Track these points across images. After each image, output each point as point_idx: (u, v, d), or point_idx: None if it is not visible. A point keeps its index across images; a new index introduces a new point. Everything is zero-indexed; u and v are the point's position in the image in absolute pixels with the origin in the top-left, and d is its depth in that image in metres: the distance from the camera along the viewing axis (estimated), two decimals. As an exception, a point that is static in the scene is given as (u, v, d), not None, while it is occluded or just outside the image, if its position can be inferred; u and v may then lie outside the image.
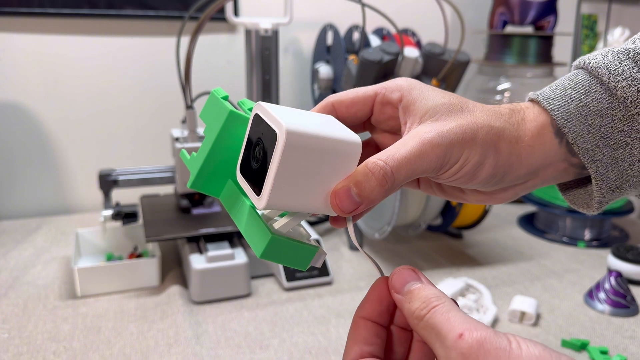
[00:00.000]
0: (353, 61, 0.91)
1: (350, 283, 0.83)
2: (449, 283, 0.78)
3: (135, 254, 0.87)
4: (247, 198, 0.32)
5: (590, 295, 0.79)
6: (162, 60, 1.13)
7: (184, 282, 0.81)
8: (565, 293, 0.81)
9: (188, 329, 0.69)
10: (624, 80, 0.31)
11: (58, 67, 1.08)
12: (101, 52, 1.10)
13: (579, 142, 0.32)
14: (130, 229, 0.89)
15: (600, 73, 0.32)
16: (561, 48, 1.42)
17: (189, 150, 0.34)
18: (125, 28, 1.10)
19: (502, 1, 1.24)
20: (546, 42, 1.25)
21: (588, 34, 1.55)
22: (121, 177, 0.88)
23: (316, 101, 1.14)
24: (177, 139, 0.87)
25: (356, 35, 1.08)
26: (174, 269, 0.86)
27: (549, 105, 0.33)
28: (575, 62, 0.34)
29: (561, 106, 0.32)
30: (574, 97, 0.32)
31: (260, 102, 0.30)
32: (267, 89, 0.95)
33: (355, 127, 0.36)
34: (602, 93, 0.32)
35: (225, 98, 0.33)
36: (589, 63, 0.32)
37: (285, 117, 0.28)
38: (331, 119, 0.33)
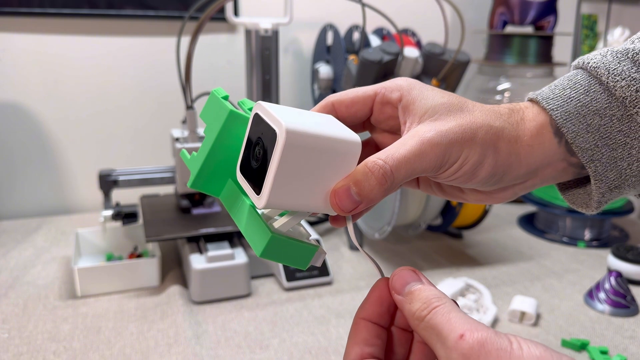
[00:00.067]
0: (353, 61, 0.91)
1: (350, 283, 0.83)
2: (449, 283, 0.78)
3: (135, 254, 0.87)
4: (247, 197, 0.32)
5: (590, 295, 0.79)
6: (162, 60, 1.13)
7: (184, 282, 0.81)
8: (565, 293, 0.81)
9: (188, 329, 0.69)
10: (623, 80, 0.31)
11: (58, 67, 1.08)
12: (101, 52, 1.10)
13: (578, 141, 0.32)
14: (130, 229, 0.89)
15: (599, 73, 0.32)
16: (561, 48, 1.42)
17: (189, 150, 0.34)
18: (125, 28, 1.11)
19: (502, 1, 1.24)
20: (546, 42, 1.25)
21: (588, 34, 1.55)
22: (121, 177, 0.88)
23: (316, 101, 1.14)
24: (177, 139, 0.87)
25: (356, 35, 1.08)
26: (174, 269, 0.86)
27: (548, 105, 0.33)
28: (575, 62, 0.34)
29: (560, 106, 0.32)
30: (573, 96, 0.32)
31: (260, 102, 0.30)
32: (267, 89, 0.95)
33: (355, 127, 0.36)
34: (601, 93, 0.32)
35: (226, 98, 0.33)
36: (588, 63, 0.33)
37: (285, 117, 0.28)
38: (331, 118, 0.33)
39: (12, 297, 0.76)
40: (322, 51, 1.12)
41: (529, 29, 1.28)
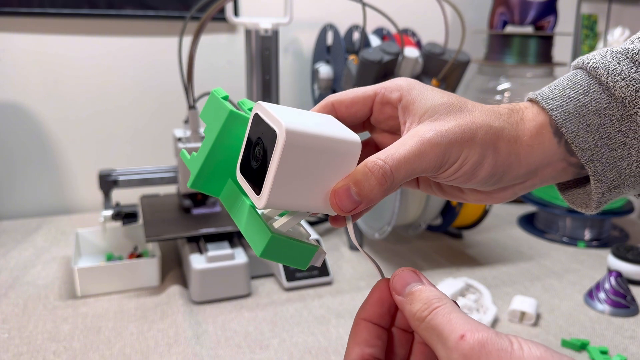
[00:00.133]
0: (353, 61, 0.91)
1: (350, 283, 0.83)
2: (449, 283, 0.78)
3: (135, 254, 0.87)
4: (247, 197, 0.32)
5: (590, 295, 0.79)
6: (162, 60, 1.13)
7: (184, 282, 0.81)
8: (565, 293, 0.81)
9: (188, 329, 0.69)
10: (622, 80, 0.31)
11: (58, 67, 1.08)
12: (101, 52, 1.10)
13: (578, 141, 0.32)
14: (130, 229, 0.89)
15: (598, 73, 0.32)
16: (561, 48, 1.42)
17: (191, 151, 0.34)
18: (125, 28, 1.11)
19: (502, 1, 1.24)
20: (546, 42, 1.25)
21: (588, 34, 1.55)
22: (121, 177, 0.88)
23: (316, 101, 1.14)
24: (179, 139, 0.87)
25: (356, 35, 1.08)
26: (174, 269, 0.86)
27: (548, 105, 0.33)
28: (574, 62, 0.34)
29: (560, 106, 0.32)
30: (573, 97, 0.32)
31: (260, 102, 0.30)
32: (267, 89, 0.95)
33: (355, 127, 0.36)
34: (601, 93, 0.32)
35: (225, 98, 0.33)
36: (588, 63, 0.33)
37: (285, 117, 0.28)
38: (331, 118, 0.33)
39: (12, 297, 0.76)
40: (322, 51, 1.12)
41: (529, 29, 1.28)
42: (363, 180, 0.30)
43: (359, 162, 0.30)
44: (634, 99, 0.31)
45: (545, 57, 1.26)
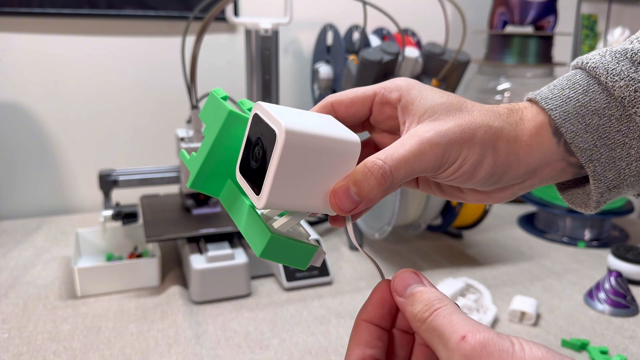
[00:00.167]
0: (353, 61, 0.91)
1: (350, 283, 0.83)
2: (449, 283, 0.78)
3: (135, 254, 0.87)
4: (247, 198, 0.32)
5: (590, 295, 0.79)
6: (162, 60, 1.13)
7: (184, 282, 0.81)
8: (565, 293, 0.81)
9: (188, 329, 0.69)
10: (622, 80, 0.31)
11: (58, 67, 1.08)
12: (101, 52, 1.10)
13: (577, 141, 0.32)
14: (130, 229, 0.89)
15: (598, 73, 0.32)
16: (561, 48, 1.42)
17: (191, 151, 0.34)
18: (125, 28, 1.11)
19: (502, 1, 1.24)
20: (546, 42, 1.25)
21: (588, 34, 1.55)
22: (121, 177, 0.88)
23: (316, 101, 1.14)
24: (182, 139, 0.87)
25: (356, 35, 1.08)
26: (174, 269, 0.86)
27: (547, 105, 0.33)
28: (573, 62, 0.34)
29: (559, 106, 0.32)
30: (572, 96, 0.32)
31: (260, 102, 0.30)
32: (267, 89, 0.95)
33: (355, 127, 0.36)
34: (600, 93, 0.32)
35: (225, 98, 0.33)
36: (587, 63, 0.33)
37: (284, 117, 0.28)
38: (330, 118, 0.33)
39: (12, 297, 0.76)
40: (322, 51, 1.12)
41: (529, 29, 1.28)
42: (362, 180, 0.30)
43: (359, 162, 0.30)
44: (633, 98, 0.31)
45: (545, 57, 1.26)
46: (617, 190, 0.33)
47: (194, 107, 0.84)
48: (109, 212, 0.86)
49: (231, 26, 1.17)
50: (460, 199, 0.37)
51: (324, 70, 1.07)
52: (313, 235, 0.89)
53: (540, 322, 0.73)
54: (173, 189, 1.05)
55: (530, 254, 0.96)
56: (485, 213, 1.01)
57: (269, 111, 0.29)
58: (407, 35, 1.08)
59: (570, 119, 0.32)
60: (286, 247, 0.31)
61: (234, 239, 0.84)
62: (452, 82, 0.95)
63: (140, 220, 0.88)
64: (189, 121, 0.89)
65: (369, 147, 0.38)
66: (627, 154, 0.32)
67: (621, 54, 0.32)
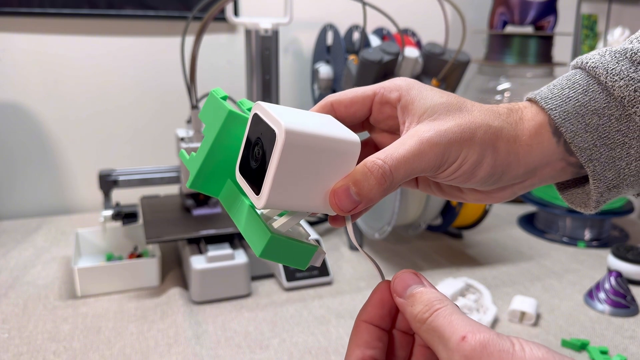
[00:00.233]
0: (353, 61, 0.91)
1: (350, 283, 0.83)
2: (449, 283, 0.78)
3: (135, 254, 0.87)
4: (247, 197, 0.32)
5: (590, 295, 0.79)
6: (162, 60, 1.13)
7: (184, 282, 0.81)
8: (565, 293, 0.81)
9: (188, 329, 0.69)
10: (621, 80, 0.31)
11: (58, 67, 1.08)
12: (101, 52, 1.10)
13: (577, 141, 0.32)
14: (130, 229, 0.89)
15: (597, 73, 0.32)
16: (561, 48, 1.42)
17: (190, 151, 0.34)
18: (125, 28, 1.11)
19: (502, 1, 1.24)
20: (546, 42, 1.25)
21: (588, 34, 1.55)
22: (121, 177, 0.88)
23: (316, 101, 1.14)
24: (182, 139, 0.87)
25: (356, 35, 1.08)
26: (174, 269, 0.86)
27: (547, 105, 0.33)
28: (573, 62, 0.34)
29: (559, 105, 0.32)
30: (572, 96, 0.32)
31: (259, 102, 0.30)
32: (267, 89, 0.95)
33: (354, 127, 0.36)
34: (600, 92, 0.32)
35: (225, 98, 0.33)
36: (587, 63, 0.33)
37: (284, 117, 0.28)
38: (330, 118, 0.33)
39: (12, 297, 0.76)
40: (322, 51, 1.12)
41: (529, 29, 1.28)
42: (362, 180, 0.30)
43: (358, 162, 0.30)
44: (632, 98, 0.31)
45: (545, 57, 1.26)
46: (617, 190, 0.33)
47: (194, 107, 0.84)
48: (109, 212, 0.86)
49: (231, 26, 1.17)
50: (460, 198, 0.37)
51: (324, 70, 1.07)
52: (313, 235, 0.89)
53: (540, 322, 0.73)
54: (173, 189, 1.05)
55: (530, 254, 0.96)
56: (485, 213, 1.01)
57: (268, 111, 0.29)
58: (407, 35, 1.08)
59: (570, 118, 0.32)
60: (286, 247, 0.31)
61: (234, 240, 0.84)
62: (452, 82, 0.95)
63: (140, 221, 0.88)
64: (189, 121, 0.89)
65: (369, 147, 0.38)
66: (627, 153, 0.32)
67: (621, 54, 0.32)
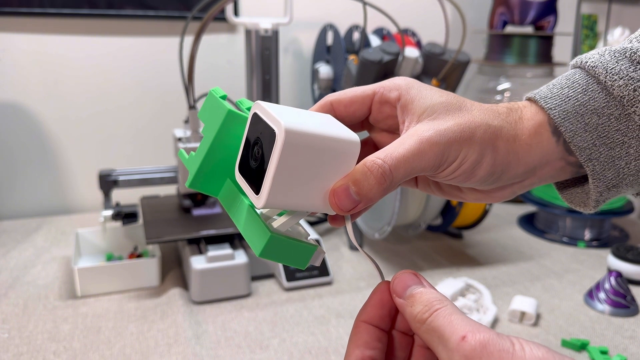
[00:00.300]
0: (353, 61, 0.91)
1: (350, 283, 0.83)
2: (449, 283, 0.78)
3: (135, 254, 0.87)
4: (246, 197, 0.32)
5: (590, 295, 0.79)
6: (162, 60, 1.13)
7: (184, 282, 0.81)
8: (565, 293, 0.81)
9: (188, 329, 0.69)
10: (621, 79, 0.31)
11: (58, 67, 1.08)
12: (101, 52, 1.10)
13: (576, 140, 0.32)
14: (130, 229, 0.89)
15: (597, 72, 0.32)
16: (561, 48, 1.42)
17: (191, 151, 0.34)
18: (125, 28, 1.11)
19: (502, 1, 1.24)
20: (546, 42, 1.25)
21: (588, 34, 1.55)
22: (121, 178, 0.88)
23: (316, 101, 1.14)
24: (179, 139, 0.87)
25: (356, 35, 1.08)
26: (174, 269, 0.86)
27: (546, 104, 0.33)
28: (573, 61, 0.34)
29: (558, 105, 0.32)
30: (571, 96, 0.32)
31: (259, 101, 0.30)
32: (267, 89, 0.95)
33: (354, 126, 0.36)
34: (599, 92, 0.32)
35: (224, 97, 0.33)
36: (586, 62, 0.33)
37: (284, 116, 0.28)
38: (330, 118, 0.33)
39: (12, 297, 0.76)
40: (322, 51, 1.12)
41: (529, 29, 1.28)
42: (362, 180, 0.30)
43: (358, 161, 0.30)
44: (632, 97, 0.31)
45: (545, 57, 1.26)
46: (616, 190, 0.33)
47: (192, 107, 0.84)
48: (109, 212, 0.86)
49: (231, 26, 1.17)
50: (460, 198, 0.37)
51: (324, 70, 1.07)
52: (313, 235, 0.89)
53: (540, 322, 0.73)
54: (173, 189, 1.05)
55: (530, 254, 0.96)
56: (485, 213, 1.01)
57: (268, 110, 0.29)
58: (407, 35, 1.08)
59: (569, 118, 0.32)
60: (285, 247, 0.31)
61: (234, 240, 0.84)
62: (452, 82, 0.95)
63: (140, 221, 0.88)
64: (186, 121, 0.89)
65: (368, 147, 0.38)
66: (626, 153, 0.32)
67: (620, 53, 0.32)
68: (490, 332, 0.25)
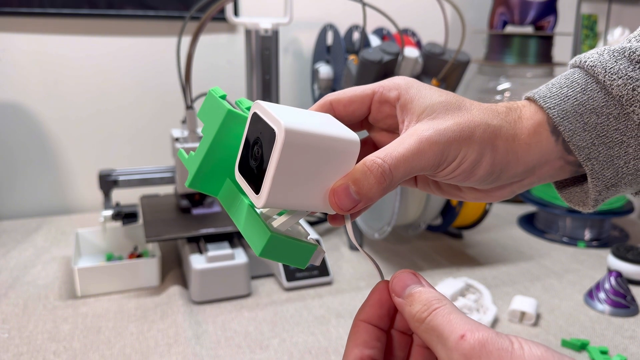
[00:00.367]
0: (353, 61, 0.91)
1: (350, 283, 0.83)
2: (449, 283, 0.78)
3: (135, 254, 0.87)
4: (246, 197, 0.32)
5: (590, 295, 0.79)
6: (162, 60, 1.14)
7: (184, 282, 0.81)
8: (565, 293, 0.81)
9: (188, 329, 0.69)
10: (620, 78, 0.31)
11: (58, 67, 1.08)
12: (101, 52, 1.10)
13: (575, 140, 0.32)
14: (130, 229, 0.89)
15: (596, 72, 0.32)
16: (561, 48, 1.42)
17: (188, 150, 0.34)
18: (125, 28, 1.11)
19: (502, 1, 1.24)
20: (546, 42, 1.25)
21: (588, 34, 1.55)
22: (121, 177, 0.88)
23: (316, 101, 1.14)
24: (177, 139, 0.87)
25: (356, 35, 1.08)
26: (174, 269, 0.86)
27: (545, 104, 0.33)
28: (572, 61, 0.34)
29: (557, 104, 0.32)
30: (570, 95, 0.32)
31: (259, 101, 0.30)
32: (267, 89, 0.95)
33: (353, 126, 0.36)
34: (598, 91, 0.32)
35: (223, 97, 0.33)
36: (585, 62, 0.33)
37: (283, 116, 0.28)
38: (329, 117, 0.33)
39: (12, 297, 0.76)
40: (322, 51, 1.12)
41: (529, 29, 1.28)
42: (362, 179, 0.30)
43: (358, 160, 0.30)
44: (630, 97, 0.31)
45: (545, 57, 1.26)
46: (615, 189, 0.33)
47: (189, 107, 0.84)
48: (109, 212, 0.86)
49: (231, 26, 1.17)
50: (459, 197, 0.37)
51: (324, 70, 1.07)
52: (313, 235, 0.89)
53: (540, 322, 0.73)
54: (173, 189, 1.05)
55: (530, 254, 0.96)
56: (485, 213, 1.01)
57: (268, 110, 0.29)
58: (407, 35, 1.08)
59: (568, 117, 0.32)
60: (285, 246, 0.31)
61: (234, 239, 0.84)
62: (452, 82, 0.95)
63: (140, 221, 0.88)
64: (183, 121, 0.89)
65: (368, 146, 0.38)
66: (625, 152, 0.32)
67: (619, 53, 0.32)
68: (489, 330, 0.25)
